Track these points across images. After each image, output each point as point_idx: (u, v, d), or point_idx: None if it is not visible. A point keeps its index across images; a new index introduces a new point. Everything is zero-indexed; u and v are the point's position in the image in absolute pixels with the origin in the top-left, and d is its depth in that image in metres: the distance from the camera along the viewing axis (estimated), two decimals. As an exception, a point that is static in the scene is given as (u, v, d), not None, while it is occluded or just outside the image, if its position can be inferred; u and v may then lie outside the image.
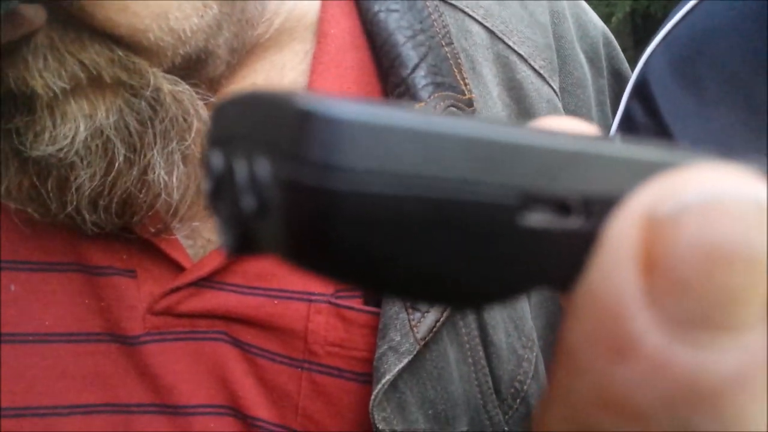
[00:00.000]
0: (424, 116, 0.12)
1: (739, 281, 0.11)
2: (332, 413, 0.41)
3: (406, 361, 0.39)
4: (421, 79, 0.43)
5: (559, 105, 0.48)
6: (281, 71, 0.44)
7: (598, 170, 0.13)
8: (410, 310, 0.40)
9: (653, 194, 0.12)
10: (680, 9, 0.48)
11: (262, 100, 0.13)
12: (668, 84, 0.46)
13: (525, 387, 0.43)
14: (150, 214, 0.39)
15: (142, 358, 0.42)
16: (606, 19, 5.04)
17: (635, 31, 5.11)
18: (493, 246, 0.13)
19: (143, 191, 0.37)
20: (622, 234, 0.12)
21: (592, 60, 0.52)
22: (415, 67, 0.43)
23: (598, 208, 0.13)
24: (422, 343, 0.40)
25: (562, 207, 0.13)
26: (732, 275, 0.11)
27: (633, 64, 0.55)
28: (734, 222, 0.11)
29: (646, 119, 0.46)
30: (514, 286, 0.13)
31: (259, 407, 0.42)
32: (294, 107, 0.12)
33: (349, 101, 0.12)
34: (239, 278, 0.42)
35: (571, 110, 0.49)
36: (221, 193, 0.14)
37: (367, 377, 0.41)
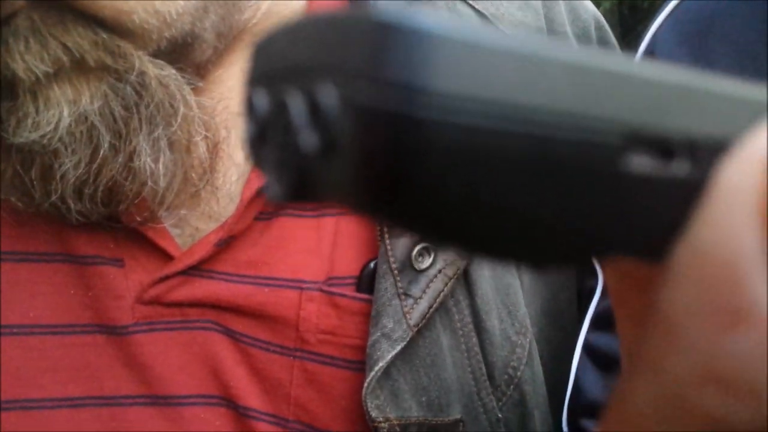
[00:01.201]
0: (525, 37, 0.10)
1: None
2: (325, 401, 0.41)
3: (399, 348, 0.39)
4: None
5: None
6: None
7: (706, 108, 0.12)
8: (403, 297, 0.40)
9: None
10: None
11: (322, 23, 0.11)
12: (677, 59, 0.46)
13: (518, 373, 0.43)
14: (136, 202, 0.38)
15: (131, 349, 0.41)
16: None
17: (622, 22, 5.11)
18: (591, 193, 0.11)
19: (129, 179, 0.36)
20: (738, 181, 0.11)
21: (584, 44, 0.52)
22: None
23: (707, 153, 0.11)
24: (415, 329, 0.39)
25: (665, 150, 0.11)
26: None
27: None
28: None
29: None
30: (607, 245, 0.12)
31: (251, 396, 0.41)
32: (371, 20, 0.10)
33: (436, 14, 0.10)
34: (229, 266, 0.42)
35: None
36: (268, 136, 0.12)
37: (359, 365, 0.40)
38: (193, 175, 0.40)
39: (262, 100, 0.12)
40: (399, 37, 0.10)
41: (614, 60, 0.11)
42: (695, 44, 0.45)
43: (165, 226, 0.41)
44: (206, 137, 0.40)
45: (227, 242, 0.41)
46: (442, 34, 0.10)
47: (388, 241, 0.40)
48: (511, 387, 0.42)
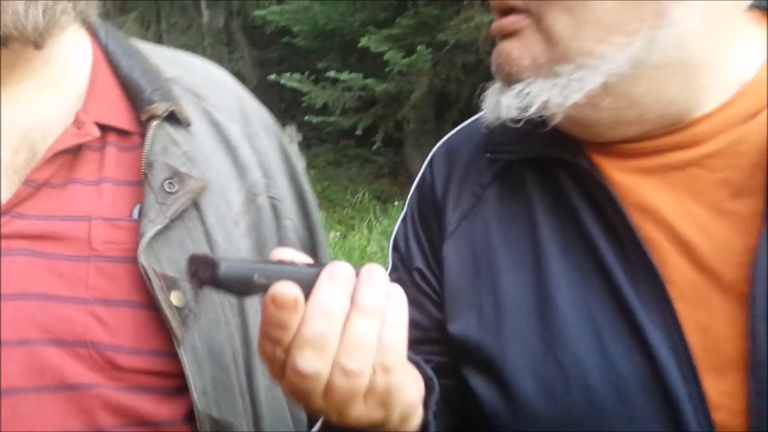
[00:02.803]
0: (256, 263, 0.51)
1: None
2: (111, 282, 0.62)
3: (159, 227, 0.63)
4: (156, 95, 0.69)
5: (249, 141, 0.75)
6: (72, 100, 0.68)
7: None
8: (161, 204, 0.64)
9: (277, 288, 0.49)
10: (468, 120, 0.74)
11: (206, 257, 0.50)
12: (442, 163, 0.72)
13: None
14: None
15: None
16: (408, 95, 5.57)
17: (435, 105, 5.71)
18: None
19: None
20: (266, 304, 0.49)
21: (267, 129, 0.79)
22: (152, 91, 0.68)
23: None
24: (168, 220, 0.63)
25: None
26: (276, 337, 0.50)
27: (434, 134, 0.77)
28: (275, 308, 0.49)
29: (431, 182, 0.72)
30: None
31: (60, 290, 0.61)
32: (211, 260, 0.49)
33: (232, 262, 0.49)
34: (38, 212, 0.63)
35: (258, 151, 0.75)
36: (194, 274, 0.50)
37: (135, 260, 0.62)
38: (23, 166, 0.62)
39: (192, 265, 0.49)
40: (211, 264, 0.48)
41: None
42: (447, 161, 0.72)
43: None
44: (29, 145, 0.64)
45: (35, 186, 0.62)
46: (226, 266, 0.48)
47: (150, 176, 0.63)
48: None
